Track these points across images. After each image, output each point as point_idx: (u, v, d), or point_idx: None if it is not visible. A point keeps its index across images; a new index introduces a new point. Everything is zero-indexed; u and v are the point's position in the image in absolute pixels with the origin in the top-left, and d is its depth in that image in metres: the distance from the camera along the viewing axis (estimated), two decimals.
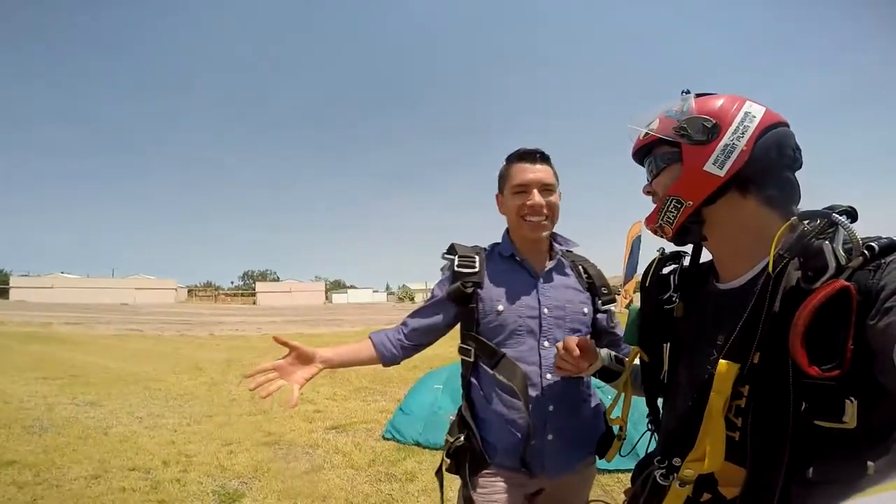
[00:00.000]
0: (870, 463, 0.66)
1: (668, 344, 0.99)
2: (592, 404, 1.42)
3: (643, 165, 0.98)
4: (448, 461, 1.37)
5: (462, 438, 1.34)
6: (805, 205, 0.85)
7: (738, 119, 0.82)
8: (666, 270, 1.04)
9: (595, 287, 1.46)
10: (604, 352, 1.25)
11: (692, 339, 0.94)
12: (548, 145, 1.40)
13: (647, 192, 0.96)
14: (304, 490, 3.13)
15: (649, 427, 1.06)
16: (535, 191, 1.34)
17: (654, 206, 0.94)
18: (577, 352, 1.18)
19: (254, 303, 49.27)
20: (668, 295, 1.01)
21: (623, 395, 1.19)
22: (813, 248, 0.71)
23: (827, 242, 0.70)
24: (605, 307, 1.45)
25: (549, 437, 1.30)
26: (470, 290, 1.35)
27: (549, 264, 1.42)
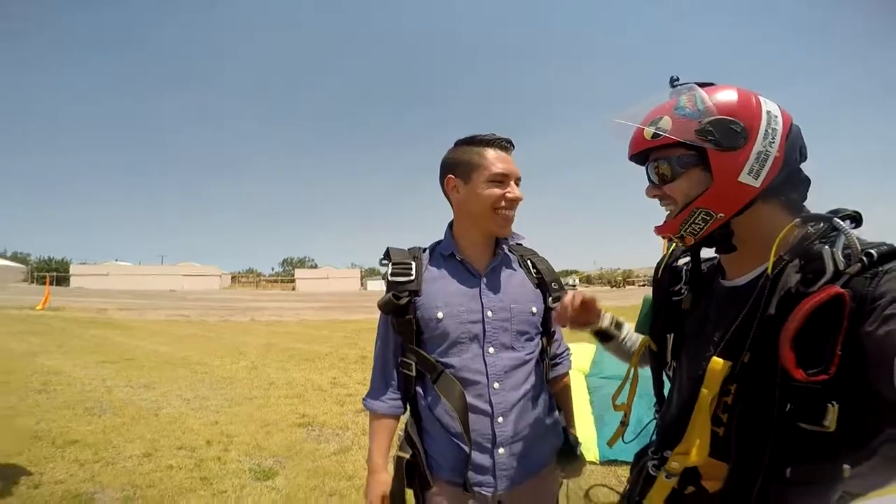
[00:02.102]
0: (846, 466, 0.68)
1: (672, 335, 0.99)
2: (547, 413, 1.33)
3: (641, 164, 0.93)
4: (400, 476, 1.28)
5: (411, 456, 1.26)
6: (811, 203, 0.83)
7: (764, 121, 0.78)
8: (679, 263, 1.04)
9: (545, 283, 1.36)
10: (608, 315, 1.21)
11: (695, 333, 0.94)
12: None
13: (655, 196, 0.91)
14: (332, 469, 3.35)
15: (655, 416, 1.06)
16: (513, 183, 1.26)
17: (664, 209, 0.91)
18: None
19: (293, 289, 50.88)
20: (678, 287, 1.01)
21: (629, 382, 1.13)
22: (813, 252, 0.72)
23: (827, 247, 0.70)
24: (556, 304, 1.31)
25: (500, 450, 1.21)
26: (405, 301, 1.24)
27: (493, 261, 1.32)
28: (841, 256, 0.68)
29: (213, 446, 3.78)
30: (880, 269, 0.67)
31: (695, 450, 0.78)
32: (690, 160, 0.82)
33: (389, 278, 1.27)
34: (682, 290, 1.00)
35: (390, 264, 1.29)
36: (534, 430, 1.27)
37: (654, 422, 1.06)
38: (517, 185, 1.27)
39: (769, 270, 0.75)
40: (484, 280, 1.29)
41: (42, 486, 3.00)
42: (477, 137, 1.27)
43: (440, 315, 1.23)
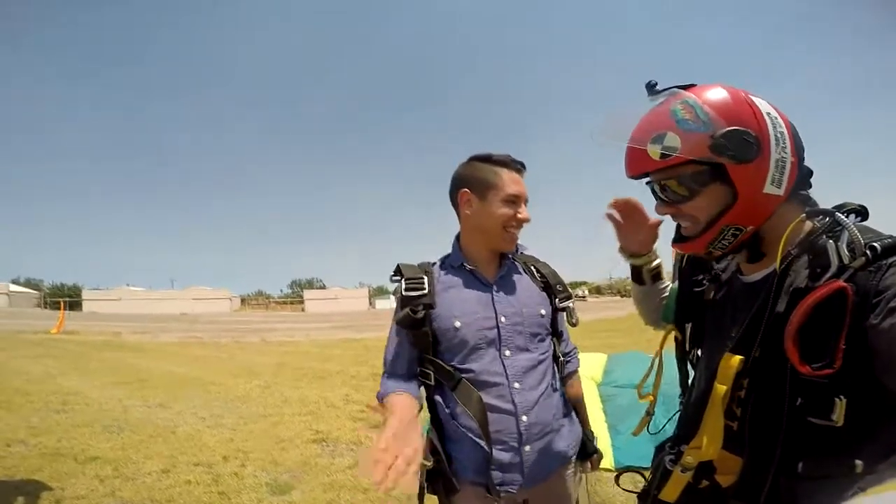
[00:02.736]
0: (858, 461, 0.68)
1: (690, 325, 1.00)
2: (565, 410, 1.38)
3: (639, 179, 0.89)
4: (427, 485, 1.32)
5: (433, 462, 1.28)
6: (824, 196, 0.83)
7: (770, 126, 0.76)
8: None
9: (550, 286, 1.42)
10: (658, 260, 1.21)
11: (715, 327, 0.94)
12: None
13: (668, 214, 0.89)
14: (347, 483, 3.37)
15: (681, 407, 1.06)
16: (523, 204, 1.33)
17: (681, 223, 0.89)
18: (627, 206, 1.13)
19: (302, 310, 51.04)
20: (700, 278, 1.01)
21: (655, 371, 1.13)
22: (818, 247, 0.72)
23: (831, 241, 0.71)
24: (563, 304, 1.40)
25: (527, 447, 1.25)
26: (421, 315, 1.27)
27: (501, 270, 1.39)
28: (846, 250, 0.68)
29: (229, 462, 3.82)
30: (884, 262, 0.67)
31: (708, 444, 0.79)
32: (706, 177, 0.79)
33: (403, 293, 1.31)
34: (704, 281, 1.00)
35: (403, 280, 1.33)
36: (555, 427, 1.32)
37: (678, 414, 1.06)
38: (525, 206, 1.35)
39: (777, 266, 0.76)
40: (495, 287, 1.35)
41: (64, 500, 3.05)
42: (494, 157, 1.33)
43: (457, 324, 1.28)
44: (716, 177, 0.78)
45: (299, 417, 5.24)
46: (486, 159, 1.34)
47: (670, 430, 1.06)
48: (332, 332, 18.19)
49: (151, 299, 48.56)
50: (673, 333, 1.08)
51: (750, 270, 0.89)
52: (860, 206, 0.76)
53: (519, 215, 1.32)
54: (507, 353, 1.30)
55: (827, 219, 0.75)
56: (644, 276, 1.21)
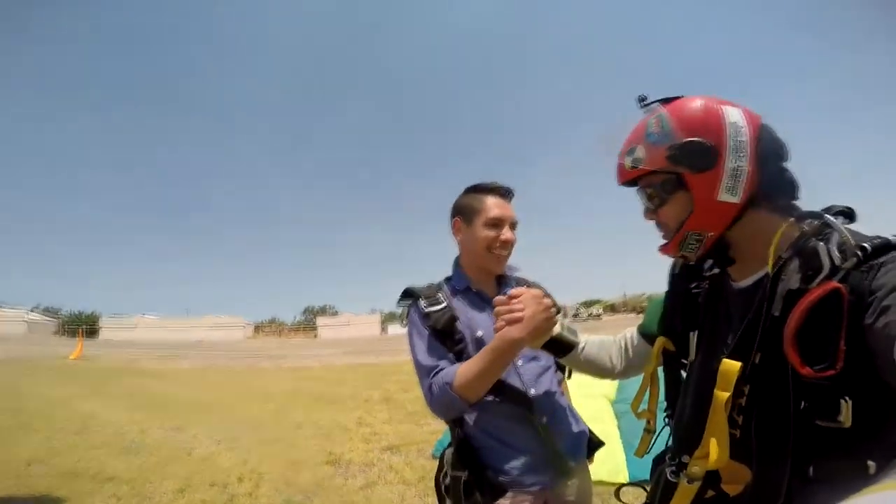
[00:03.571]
0: (870, 462, 0.67)
1: (696, 332, 0.97)
2: (571, 410, 1.45)
3: (630, 186, 0.95)
4: (463, 497, 1.27)
5: (467, 473, 1.28)
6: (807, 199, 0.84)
7: (729, 134, 0.79)
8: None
9: None
10: (558, 321, 1.22)
11: (708, 333, 0.94)
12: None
13: (651, 220, 0.93)
14: (359, 503, 3.37)
15: (666, 421, 1.04)
16: (507, 227, 1.40)
17: (659, 230, 0.93)
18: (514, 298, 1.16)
19: (315, 336, 51.04)
20: (694, 284, 1.00)
21: (649, 387, 1.11)
22: (809, 250, 0.73)
23: (822, 243, 0.72)
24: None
25: (558, 445, 1.32)
26: (450, 326, 1.32)
27: (502, 290, 1.46)
28: (836, 252, 0.69)
29: (244, 483, 3.84)
30: (875, 262, 0.67)
31: (715, 453, 0.78)
32: (672, 185, 0.84)
33: (425, 310, 1.34)
34: (699, 288, 1.00)
35: (422, 298, 1.37)
36: (569, 425, 1.40)
37: (667, 427, 1.04)
38: (513, 228, 1.42)
39: (770, 270, 0.77)
40: None
41: None
42: (480, 185, 1.44)
43: (480, 333, 1.34)
44: (680, 186, 0.83)
45: (313, 440, 5.25)
46: (474, 188, 1.45)
47: (659, 445, 1.05)
48: (345, 357, 18.17)
49: (167, 327, 49.03)
50: (664, 346, 1.04)
51: (740, 276, 0.89)
52: (847, 207, 0.78)
53: (502, 237, 1.39)
54: (520, 362, 1.37)
55: (816, 222, 0.76)
56: (564, 340, 1.22)
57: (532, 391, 1.34)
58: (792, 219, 0.80)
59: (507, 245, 1.41)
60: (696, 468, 0.82)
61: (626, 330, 1.29)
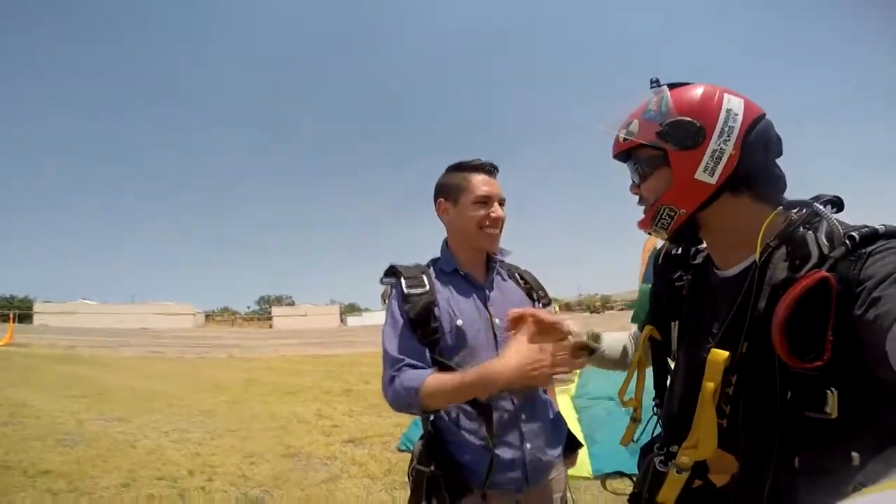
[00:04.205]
0: (854, 454, 0.67)
1: (677, 322, 0.98)
2: (553, 409, 1.42)
3: (624, 162, 0.97)
4: (421, 492, 1.24)
5: (432, 468, 1.23)
6: (795, 193, 0.84)
7: (721, 120, 0.80)
8: (677, 251, 1.03)
9: (533, 292, 1.48)
10: (581, 330, 1.19)
11: (693, 324, 0.95)
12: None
13: (635, 193, 0.95)
14: (322, 498, 3.25)
15: (654, 411, 1.04)
16: (496, 204, 1.36)
17: (641, 206, 0.94)
18: (523, 320, 1.14)
19: (270, 326, 49.66)
20: (678, 274, 1.01)
21: (636, 374, 1.09)
22: (797, 238, 0.73)
23: (810, 232, 0.72)
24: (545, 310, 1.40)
25: (528, 445, 1.27)
26: (427, 313, 1.27)
27: (490, 274, 1.42)
28: (825, 240, 0.69)
29: (195, 476, 3.62)
30: (863, 251, 0.67)
31: (703, 443, 0.78)
32: (659, 160, 0.86)
33: (405, 290, 1.29)
34: (683, 277, 1.00)
35: (403, 278, 1.31)
36: (549, 424, 1.36)
37: (655, 417, 1.04)
38: (501, 206, 1.38)
39: (757, 259, 0.76)
40: (487, 291, 1.38)
41: None
42: (463, 163, 1.38)
43: (459, 322, 1.29)
44: (665, 162, 0.84)
45: (269, 432, 5.04)
46: (457, 167, 1.40)
47: (646, 435, 1.05)
48: (302, 348, 17.74)
49: (109, 313, 46.36)
50: (651, 334, 1.04)
51: (726, 265, 0.89)
52: (835, 197, 0.78)
53: (492, 214, 1.34)
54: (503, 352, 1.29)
55: (804, 210, 0.76)
56: (590, 346, 1.19)
57: (514, 385, 1.25)
58: (780, 207, 0.79)
59: (498, 222, 1.36)
60: (684, 458, 0.81)
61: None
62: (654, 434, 1.02)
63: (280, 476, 3.67)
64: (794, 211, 0.78)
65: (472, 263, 1.40)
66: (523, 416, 1.28)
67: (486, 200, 1.34)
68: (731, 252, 0.87)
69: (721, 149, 0.79)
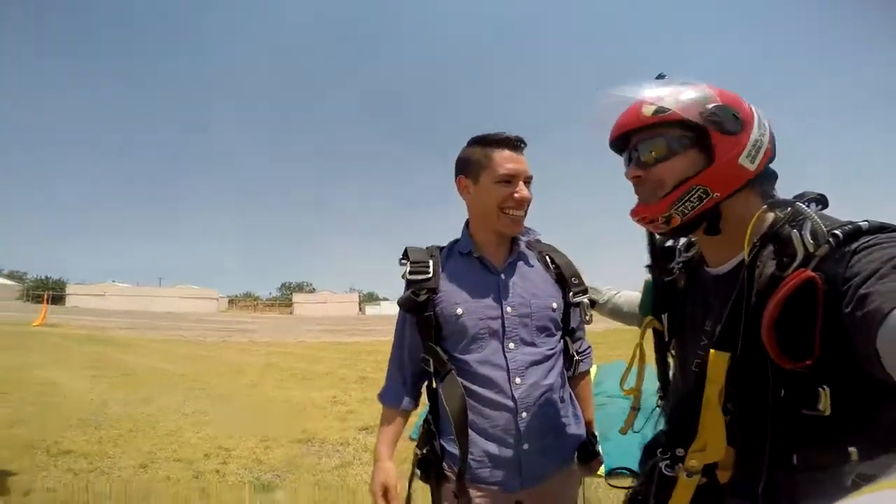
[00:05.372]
0: (852, 449, 0.67)
1: (667, 315, 1.00)
2: (570, 409, 1.32)
3: (619, 151, 0.94)
4: (418, 472, 1.29)
5: (425, 451, 1.27)
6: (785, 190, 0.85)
7: (756, 114, 0.82)
8: (670, 243, 1.05)
9: (564, 278, 1.33)
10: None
11: (688, 321, 0.95)
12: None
13: (637, 177, 0.89)
14: (334, 483, 3.26)
15: (659, 404, 1.05)
16: (521, 183, 1.24)
17: (641, 194, 0.89)
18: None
19: (291, 313, 50.55)
20: (671, 266, 1.01)
21: (637, 363, 1.11)
22: (783, 236, 0.74)
23: (795, 230, 0.72)
24: (577, 299, 1.30)
25: (526, 445, 1.20)
26: (423, 298, 1.23)
27: (510, 257, 1.31)
28: (810, 239, 0.69)
29: (211, 459, 3.68)
30: (847, 248, 0.67)
31: (712, 445, 0.77)
32: (688, 141, 0.83)
33: (408, 277, 1.27)
34: (675, 270, 1.00)
35: (409, 263, 1.29)
36: (557, 426, 1.27)
37: (659, 409, 1.05)
38: (527, 184, 1.26)
39: (746, 257, 0.77)
40: (502, 276, 1.28)
41: (32, 493, 2.91)
42: (487, 137, 1.27)
43: (459, 311, 1.23)
44: (696, 144, 0.82)
45: (285, 417, 5.11)
46: (479, 140, 1.28)
47: (649, 427, 1.05)
48: (321, 334, 17.98)
49: (136, 296, 47.82)
50: (653, 325, 1.05)
51: (715, 263, 0.90)
52: (819, 194, 0.78)
53: (516, 195, 1.23)
54: (511, 345, 1.23)
55: (789, 209, 0.76)
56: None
57: (517, 380, 1.21)
58: (766, 206, 0.80)
59: (523, 203, 1.25)
60: (693, 462, 0.80)
61: None
62: (657, 430, 1.02)
63: (293, 461, 3.71)
64: (779, 210, 0.78)
65: (491, 246, 1.31)
66: (524, 415, 1.20)
67: (509, 179, 1.23)
68: (723, 249, 0.87)
69: (761, 140, 0.81)
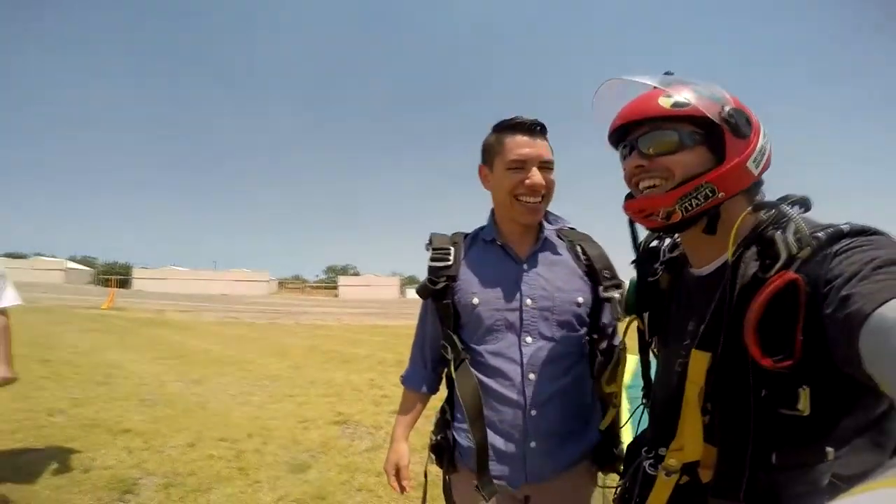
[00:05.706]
0: (829, 448, 0.68)
1: (647, 314, 1.02)
2: (588, 409, 1.26)
3: (615, 144, 0.94)
4: (432, 456, 1.33)
5: (439, 438, 1.30)
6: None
7: (761, 122, 0.84)
8: (655, 243, 1.05)
9: (595, 270, 1.25)
10: None
11: (671, 322, 0.96)
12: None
13: (640, 168, 0.87)
14: (362, 466, 3.40)
15: (644, 402, 1.06)
16: (535, 168, 1.18)
17: (642, 185, 0.88)
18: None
19: (336, 295, 52.12)
20: (655, 266, 1.02)
21: (620, 361, 1.16)
22: (766, 238, 0.74)
23: (779, 232, 0.73)
24: (608, 294, 1.22)
25: (532, 443, 1.18)
26: (441, 286, 1.23)
27: (535, 246, 1.26)
28: (793, 241, 0.70)
29: (252, 439, 3.92)
30: (829, 250, 0.68)
31: (689, 445, 0.79)
32: (699, 138, 0.83)
33: (429, 263, 1.26)
34: (658, 270, 1.01)
35: (431, 250, 1.29)
36: (570, 426, 1.22)
37: (642, 406, 1.06)
38: (545, 170, 1.20)
39: (729, 258, 0.77)
40: (525, 266, 1.24)
41: (92, 470, 3.18)
42: (502, 122, 1.24)
43: (475, 301, 1.21)
44: (706, 141, 0.82)
45: (324, 399, 5.35)
46: (496, 126, 1.25)
47: (632, 424, 1.09)
48: (363, 317, 18.49)
49: (194, 279, 50.68)
50: (636, 324, 1.08)
51: (699, 264, 0.91)
52: (802, 197, 0.78)
53: (527, 181, 1.18)
54: (529, 339, 1.19)
55: (773, 211, 0.76)
56: None
57: (531, 375, 1.18)
58: (750, 208, 0.80)
59: (536, 190, 1.19)
60: (672, 461, 0.82)
61: None
62: (640, 430, 1.04)
63: (327, 442, 3.89)
64: (764, 212, 0.78)
65: (515, 234, 1.27)
66: (533, 412, 1.17)
67: (521, 165, 1.18)
68: (707, 250, 0.88)
69: (764, 147, 0.83)
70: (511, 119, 1.22)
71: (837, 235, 0.69)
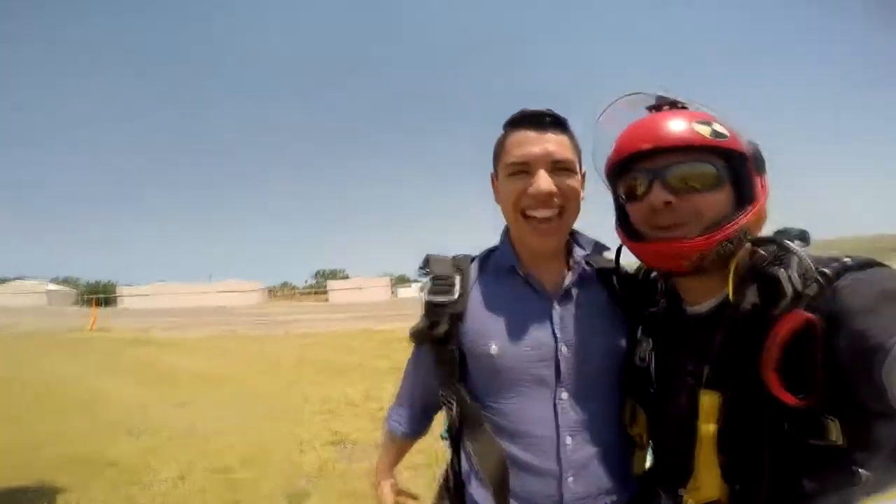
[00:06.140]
0: (861, 471, 0.66)
1: (651, 340, 0.96)
2: (624, 458, 1.00)
3: (620, 172, 0.86)
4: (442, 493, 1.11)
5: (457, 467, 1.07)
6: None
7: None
8: (654, 275, 1.01)
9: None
10: None
11: (665, 358, 0.93)
12: None
13: (668, 204, 0.78)
14: (364, 491, 3.25)
15: (645, 438, 0.98)
16: (542, 171, 0.91)
17: (649, 223, 0.83)
18: None
19: (326, 300, 51.68)
20: (655, 298, 0.99)
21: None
22: (769, 276, 0.72)
23: (782, 270, 0.71)
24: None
25: (570, 479, 0.94)
26: (443, 330, 0.97)
27: (569, 278, 1.00)
28: (797, 277, 0.69)
29: (246, 467, 3.75)
30: (836, 284, 0.67)
31: (706, 484, 0.77)
32: (726, 175, 0.79)
33: (427, 297, 1.00)
34: (659, 302, 0.97)
35: (430, 279, 1.02)
36: (609, 487, 0.97)
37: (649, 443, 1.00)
38: (562, 172, 0.93)
39: (730, 296, 0.75)
40: (556, 303, 0.98)
41: None
42: (508, 119, 1.00)
43: (493, 349, 0.95)
44: (730, 180, 0.79)
45: (319, 416, 5.18)
46: (505, 123, 1.02)
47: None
48: (354, 322, 18.27)
49: (181, 293, 49.84)
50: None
51: (693, 301, 0.88)
52: (801, 231, 0.77)
53: (529, 189, 0.92)
54: (564, 395, 0.95)
55: (773, 246, 0.75)
56: None
57: (568, 440, 0.94)
58: (748, 243, 0.78)
59: (543, 199, 0.92)
60: (690, 500, 0.80)
61: None
62: (650, 464, 1.00)
63: (325, 466, 3.74)
64: (764, 247, 0.76)
65: (538, 260, 1.01)
66: (569, 480, 0.93)
67: (523, 169, 0.93)
68: (703, 287, 0.85)
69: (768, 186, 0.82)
70: (516, 113, 0.98)
71: (842, 270, 0.68)
